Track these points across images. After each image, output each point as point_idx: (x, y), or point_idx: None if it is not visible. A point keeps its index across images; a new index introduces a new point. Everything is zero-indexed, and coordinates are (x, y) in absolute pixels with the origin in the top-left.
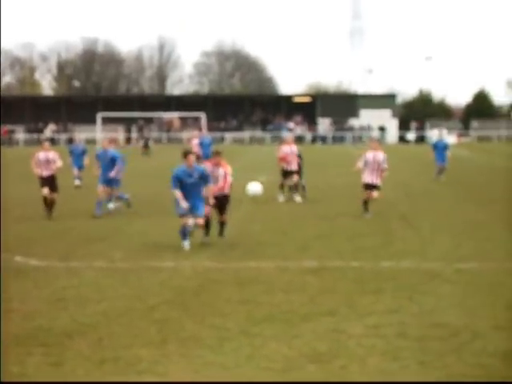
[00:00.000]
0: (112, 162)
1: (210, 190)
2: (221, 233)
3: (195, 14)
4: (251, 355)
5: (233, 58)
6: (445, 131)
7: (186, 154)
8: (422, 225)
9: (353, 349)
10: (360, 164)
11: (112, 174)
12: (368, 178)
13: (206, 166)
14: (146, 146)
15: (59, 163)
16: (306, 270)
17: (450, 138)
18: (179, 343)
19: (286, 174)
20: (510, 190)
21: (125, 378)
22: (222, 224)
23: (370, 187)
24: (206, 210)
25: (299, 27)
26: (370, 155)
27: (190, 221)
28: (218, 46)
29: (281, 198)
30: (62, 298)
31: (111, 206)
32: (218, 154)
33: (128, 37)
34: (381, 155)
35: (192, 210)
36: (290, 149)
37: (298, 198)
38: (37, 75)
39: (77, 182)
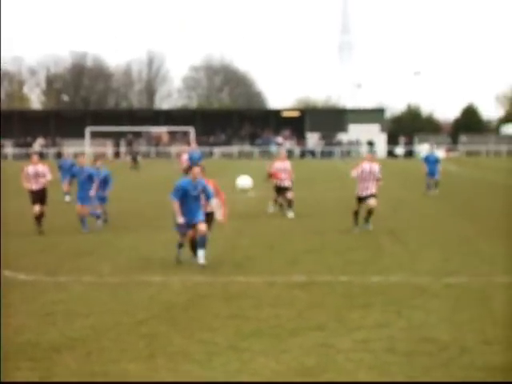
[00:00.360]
0: (89, 179)
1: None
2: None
3: (184, 28)
4: (239, 370)
5: (221, 73)
6: (428, 145)
7: (191, 166)
8: (410, 239)
9: (341, 363)
10: (355, 173)
11: (92, 192)
12: (362, 191)
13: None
14: (134, 160)
15: (49, 176)
16: (294, 285)
17: (439, 153)
18: (167, 358)
19: (280, 190)
20: (498, 205)
21: None
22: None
23: (362, 200)
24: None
25: (288, 42)
26: (366, 166)
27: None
28: (207, 60)
29: (271, 209)
30: (50, 312)
31: (99, 222)
32: (196, 166)
33: (117, 51)
34: (376, 166)
35: (191, 221)
36: (282, 165)
37: (290, 214)
38: (25, 89)
39: (67, 199)
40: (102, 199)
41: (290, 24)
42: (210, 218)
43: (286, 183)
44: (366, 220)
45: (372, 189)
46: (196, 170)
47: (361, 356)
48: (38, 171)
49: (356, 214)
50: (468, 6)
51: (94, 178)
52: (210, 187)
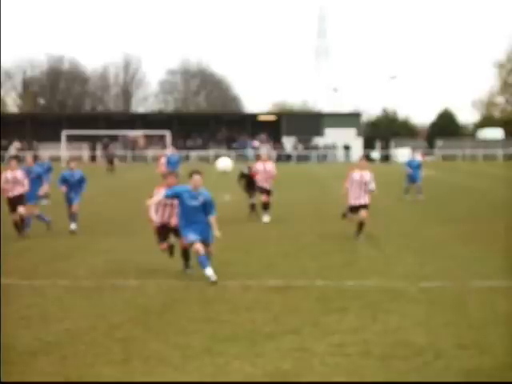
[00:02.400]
0: (38, 178)
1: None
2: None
3: (161, 31)
4: (215, 374)
5: (198, 77)
6: (410, 150)
7: (191, 174)
8: (386, 244)
9: (316, 367)
10: (346, 185)
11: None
12: (353, 200)
13: (158, 189)
14: (110, 163)
15: (26, 182)
16: (270, 289)
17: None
18: (143, 362)
19: (261, 191)
20: (473, 209)
21: None
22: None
23: (355, 209)
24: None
25: (264, 46)
26: (356, 175)
27: (210, 273)
28: (184, 64)
29: (265, 219)
30: (25, 316)
31: (73, 226)
32: (171, 174)
33: (93, 55)
34: (368, 175)
35: (198, 233)
36: (262, 166)
37: (265, 218)
38: (1, 93)
39: (44, 203)
40: (73, 200)
41: (267, 28)
42: None
43: (265, 184)
44: (358, 232)
45: (364, 198)
46: (196, 178)
47: (336, 360)
48: (17, 177)
49: (361, 224)
50: (444, 11)
51: (42, 178)
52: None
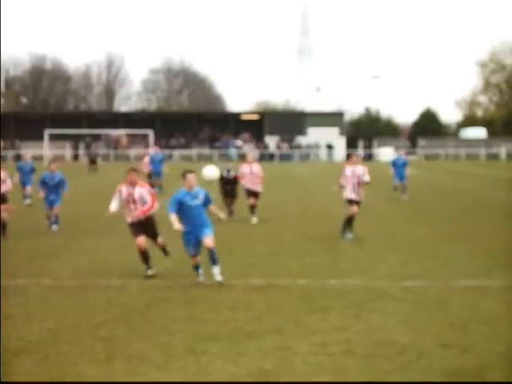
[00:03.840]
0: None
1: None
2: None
3: (144, 30)
4: (197, 373)
5: (181, 75)
6: (392, 149)
7: (184, 174)
8: (369, 243)
9: (299, 366)
10: (342, 181)
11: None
12: (351, 194)
13: (121, 187)
14: (93, 162)
15: (9, 182)
16: (252, 288)
17: (395, 157)
18: (125, 361)
19: (249, 193)
20: (456, 209)
21: None
22: (164, 248)
23: (353, 202)
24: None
25: (248, 45)
26: (348, 170)
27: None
28: (167, 63)
29: (253, 220)
30: (8, 315)
31: (55, 227)
32: (133, 170)
33: (76, 53)
34: (360, 169)
35: (197, 236)
36: (249, 168)
37: (253, 220)
38: None
39: (27, 202)
40: (54, 202)
41: (250, 27)
42: (150, 223)
43: (253, 187)
44: (346, 228)
45: (357, 194)
46: (190, 177)
47: (319, 359)
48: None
49: (350, 219)
50: (427, 10)
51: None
52: (146, 191)
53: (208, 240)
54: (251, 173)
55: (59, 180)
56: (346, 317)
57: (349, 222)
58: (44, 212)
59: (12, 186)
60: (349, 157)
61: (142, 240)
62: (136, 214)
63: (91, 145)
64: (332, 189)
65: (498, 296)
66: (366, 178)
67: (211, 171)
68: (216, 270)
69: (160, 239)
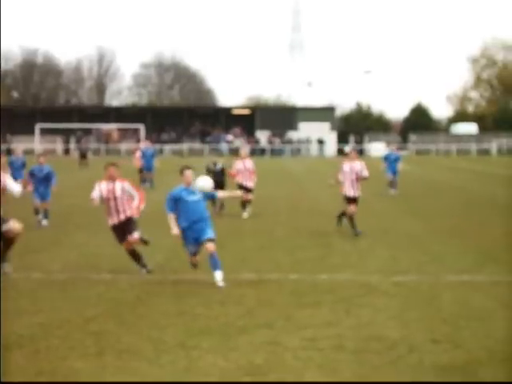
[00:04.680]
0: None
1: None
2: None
3: (135, 25)
4: (188, 367)
5: (172, 70)
6: (383, 144)
7: (182, 170)
8: (360, 238)
9: (289, 361)
10: (340, 177)
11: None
12: (349, 190)
13: (101, 184)
14: (83, 156)
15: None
16: (243, 283)
17: (387, 152)
18: (116, 355)
19: (242, 189)
20: (447, 204)
21: None
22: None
23: (351, 200)
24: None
25: (239, 40)
26: (346, 166)
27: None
28: (158, 57)
29: (245, 215)
30: None
31: (44, 222)
32: (112, 165)
33: (67, 48)
34: (358, 165)
35: (198, 238)
36: (242, 165)
37: (245, 215)
38: None
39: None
40: (43, 195)
41: (242, 22)
42: (129, 224)
43: (248, 183)
44: (340, 222)
45: (355, 190)
46: (188, 173)
47: (309, 354)
48: None
49: (351, 218)
50: (419, 5)
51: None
52: (128, 185)
53: (209, 245)
54: (245, 168)
55: (47, 172)
56: (337, 312)
57: (350, 219)
58: (32, 205)
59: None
60: (341, 152)
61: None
62: (119, 213)
63: (81, 139)
64: (328, 182)
65: (488, 291)
66: (365, 173)
67: (204, 182)
68: (218, 277)
69: (135, 235)
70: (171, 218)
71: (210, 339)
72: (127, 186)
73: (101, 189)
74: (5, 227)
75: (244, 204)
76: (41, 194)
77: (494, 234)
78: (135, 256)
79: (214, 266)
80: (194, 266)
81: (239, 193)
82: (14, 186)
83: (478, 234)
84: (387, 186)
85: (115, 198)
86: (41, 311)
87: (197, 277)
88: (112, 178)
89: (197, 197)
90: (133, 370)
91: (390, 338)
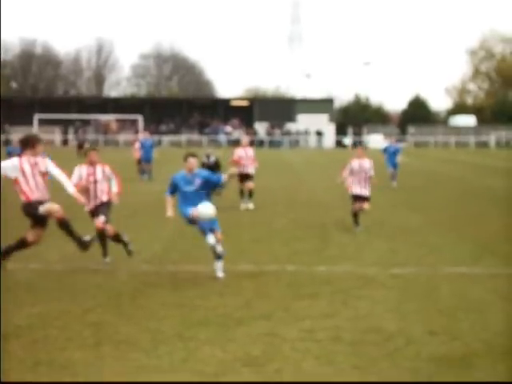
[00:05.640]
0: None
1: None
2: (127, 251)
3: (134, 15)
4: (186, 358)
5: (171, 61)
6: (382, 136)
7: (186, 156)
8: (356, 231)
9: (287, 353)
10: (345, 173)
11: None
12: (356, 189)
13: (81, 167)
14: (80, 147)
15: None
16: (241, 274)
17: (386, 144)
18: (114, 346)
19: (242, 177)
20: (445, 196)
21: (59, 380)
22: (117, 238)
23: (359, 198)
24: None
25: (238, 31)
26: (355, 163)
27: (212, 241)
28: (157, 48)
29: (242, 207)
30: None
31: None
32: (93, 150)
33: (66, 38)
34: (367, 163)
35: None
36: (244, 152)
37: (250, 205)
38: None
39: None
40: None
41: (241, 13)
42: (103, 207)
43: (249, 170)
44: (356, 222)
45: (365, 189)
46: (191, 160)
47: (307, 345)
48: None
49: (355, 214)
50: None
51: None
52: (108, 170)
53: (217, 234)
54: (246, 156)
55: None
56: (335, 303)
57: (354, 216)
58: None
59: None
60: (339, 143)
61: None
62: (97, 198)
63: (79, 129)
64: (337, 182)
65: (486, 283)
66: (371, 172)
67: (207, 210)
68: (219, 266)
69: (101, 219)
70: (168, 201)
71: (207, 330)
72: (107, 170)
73: (81, 173)
74: (42, 209)
75: (242, 192)
76: None
77: (492, 226)
78: (102, 240)
79: (217, 256)
80: (215, 252)
81: (234, 169)
82: (68, 185)
83: (476, 226)
84: (389, 179)
85: (95, 182)
86: (39, 302)
87: (195, 268)
88: (92, 163)
89: (193, 187)
90: (131, 360)
91: (388, 329)
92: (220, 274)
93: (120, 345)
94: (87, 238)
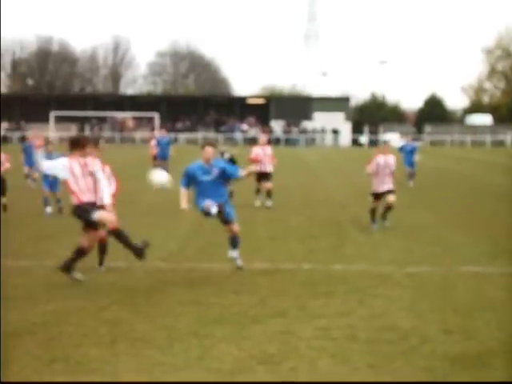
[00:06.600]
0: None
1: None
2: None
3: (150, 13)
4: (201, 356)
5: (187, 59)
6: (397, 135)
7: (203, 145)
8: (373, 229)
9: (302, 351)
10: (370, 168)
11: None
12: (379, 186)
13: (71, 160)
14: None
15: (8, 165)
16: (257, 272)
17: (403, 143)
18: (129, 343)
19: (260, 176)
20: (461, 195)
21: (74, 377)
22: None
23: (379, 196)
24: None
25: (255, 29)
26: (381, 159)
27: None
28: (173, 46)
29: (257, 203)
30: (11, 296)
31: (49, 210)
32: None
33: (83, 36)
34: (392, 159)
35: (221, 214)
36: (262, 150)
37: (269, 203)
38: None
39: (29, 183)
40: (52, 185)
41: (257, 11)
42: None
43: (267, 168)
44: (384, 217)
45: (389, 183)
46: (207, 149)
47: (322, 344)
48: None
49: (373, 211)
50: None
51: None
52: (107, 169)
53: (235, 226)
54: (264, 154)
55: None
56: (350, 302)
57: (386, 210)
58: (42, 192)
59: (11, 168)
60: (356, 142)
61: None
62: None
63: (94, 127)
64: (365, 174)
65: (501, 282)
66: (394, 168)
67: (159, 176)
68: (235, 254)
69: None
70: (182, 193)
71: (223, 328)
72: (107, 169)
73: (72, 164)
74: (96, 216)
75: (258, 191)
76: (50, 183)
77: (506, 224)
78: (102, 248)
79: (234, 245)
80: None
81: (253, 167)
82: (106, 194)
83: (492, 224)
84: (406, 178)
85: (90, 173)
86: (54, 299)
87: (211, 265)
88: (83, 155)
89: (211, 177)
90: (146, 357)
91: (403, 328)
92: (239, 262)
93: (135, 342)
94: (140, 244)
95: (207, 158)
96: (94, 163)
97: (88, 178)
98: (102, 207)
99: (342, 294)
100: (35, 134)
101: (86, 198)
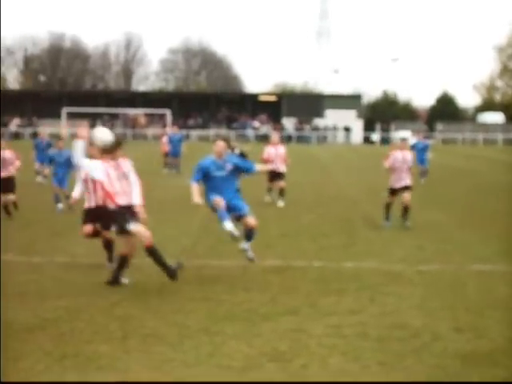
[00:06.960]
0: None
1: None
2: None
3: (163, 10)
4: (211, 353)
5: (199, 56)
6: (409, 133)
7: (215, 140)
8: (384, 226)
9: (313, 348)
10: (387, 163)
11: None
12: (396, 182)
13: (104, 163)
14: None
15: (18, 163)
16: (268, 269)
17: (414, 140)
18: (140, 340)
19: (272, 175)
20: (471, 193)
21: (85, 373)
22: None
23: (396, 192)
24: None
25: (267, 26)
26: (398, 154)
27: (230, 226)
28: (185, 43)
29: (267, 199)
30: (23, 292)
31: (60, 206)
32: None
33: (95, 32)
34: (409, 155)
35: (236, 211)
36: (274, 150)
37: (280, 203)
38: (2, 69)
39: (39, 179)
40: (61, 181)
41: (269, 8)
42: (129, 211)
43: (280, 168)
44: (404, 217)
45: (406, 179)
46: (219, 144)
47: (333, 341)
48: (5, 157)
49: (388, 207)
50: None
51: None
52: (128, 165)
53: (250, 219)
54: (276, 154)
55: (67, 157)
56: (361, 299)
57: (405, 211)
58: (52, 189)
59: (20, 165)
60: (367, 139)
61: (89, 228)
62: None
63: (105, 123)
64: (382, 169)
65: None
66: (411, 164)
67: (102, 133)
68: (247, 246)
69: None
70: (194, 188)
71: (233, 325)
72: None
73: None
74: (132, 228)
75: (270, 190)
76: (59, 179)
77: None
78: (108, 246)
79: (248, 238)
80: (234, 238)
81: (269, 167)
82: (137, 196)
83: (503, 223)
84: (418, 176)
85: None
86: (65, 295)
87: (222, 263)
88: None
89: (224, 172)
90: (157, 354)
91: (414, 326)
92: (251, 254)
93: (146, 338)
94: (174, 265)
95: (219, 152)
96: (126, 164)
97: (123, 180)
98: (136, 214)
99: (353, 291)
100: (79, 124)
101: (122, 200)
